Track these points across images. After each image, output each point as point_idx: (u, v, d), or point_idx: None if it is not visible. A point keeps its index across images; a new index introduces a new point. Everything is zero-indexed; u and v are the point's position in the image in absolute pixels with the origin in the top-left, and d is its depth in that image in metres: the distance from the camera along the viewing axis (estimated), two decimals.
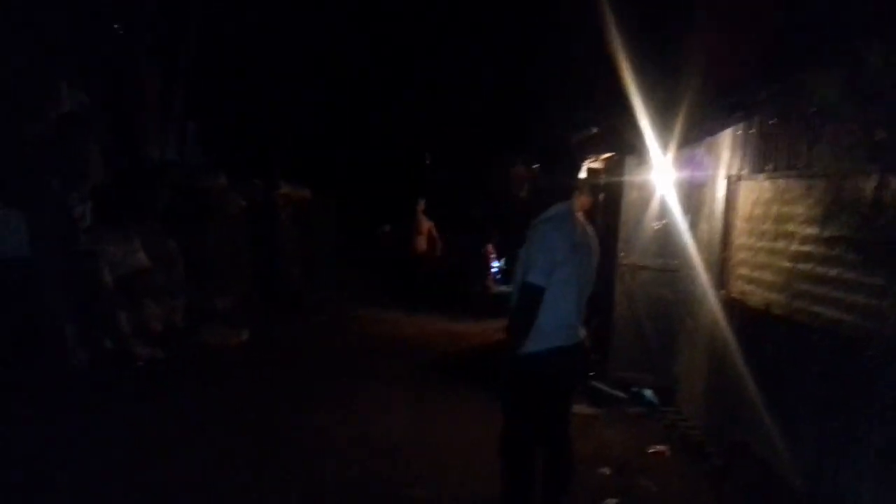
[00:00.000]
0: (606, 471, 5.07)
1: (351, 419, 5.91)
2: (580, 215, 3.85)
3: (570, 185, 3.81)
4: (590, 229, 3.86)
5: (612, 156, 7.35)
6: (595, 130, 10.85)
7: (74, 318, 6.20)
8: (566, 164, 3.87)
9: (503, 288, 16.05)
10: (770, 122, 4.65)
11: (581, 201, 7.22)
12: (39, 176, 4.16)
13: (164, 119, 9.58)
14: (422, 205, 11.98)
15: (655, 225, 6.37)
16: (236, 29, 12.56)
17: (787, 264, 4.39)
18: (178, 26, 9.91)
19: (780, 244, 4.50)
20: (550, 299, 3.54)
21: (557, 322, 3.59)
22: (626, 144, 6.27)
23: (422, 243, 11.82)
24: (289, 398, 6.38)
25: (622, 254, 6.48)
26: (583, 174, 11.39)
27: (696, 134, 5.48)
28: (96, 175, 6.81)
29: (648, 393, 6.69)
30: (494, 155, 17.54)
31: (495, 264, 16.87)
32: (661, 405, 6.50)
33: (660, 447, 5.56)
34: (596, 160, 10.16)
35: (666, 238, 6.35)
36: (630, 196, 6.41)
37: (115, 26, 8.15)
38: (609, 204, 7.39)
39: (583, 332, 3.75)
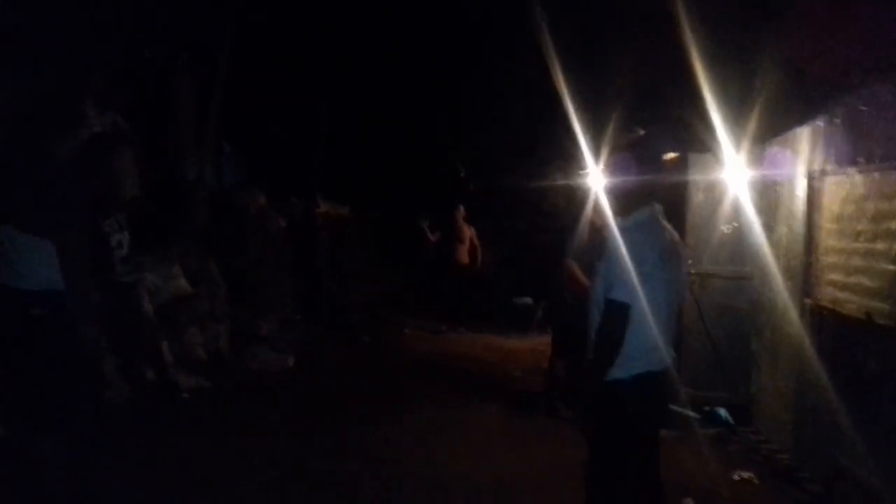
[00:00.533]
0: (691, 502, 4.61)
1: (418, 449, 5.55)
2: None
3: (655, 186, 3.39)
4: (676, 235, 3.44)
5: (673, 156, 6.89)
6: (641, 132, 10.46)
7: (113, 351, 5.94)
8: (651, 161, 3.44)
9: (526, 300, 15.65)
10: (863, 110, 4.18)
11: None
12: (70, 202, 3.92)
13: (199, 138, 9.36)
14: (462, 211, 11.33)
15: (726, 229, 5.90)
16: (271, 46, 12.37)
17: (891, 267, 3.92)
18: (215, 44, 9.71)
19: (881, 245, 4.04)
20: (637, 318, 3.13)
21: (644, 344, 3.18)
22: (691, 142, 5.81)
23: (464, 254, 11.12)
24: (342, 428, 6.03)
25: (689, 261, 6.01)
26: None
27: (772, 129, 5.03)
28: (132, 197, 6.56)
29: (722, 412, 6.18)
30: (531, 164, 17.19)
31: None
32: (737, 425, 6.01)
33: (745, 473, 5.08)
34: None
35: (737, 243, 5.88)
36: (696, 198, 5.95)
37: (145, 48, 7.97)
38: (667, 208, 6.91)
39: (671, 355, 3.33)
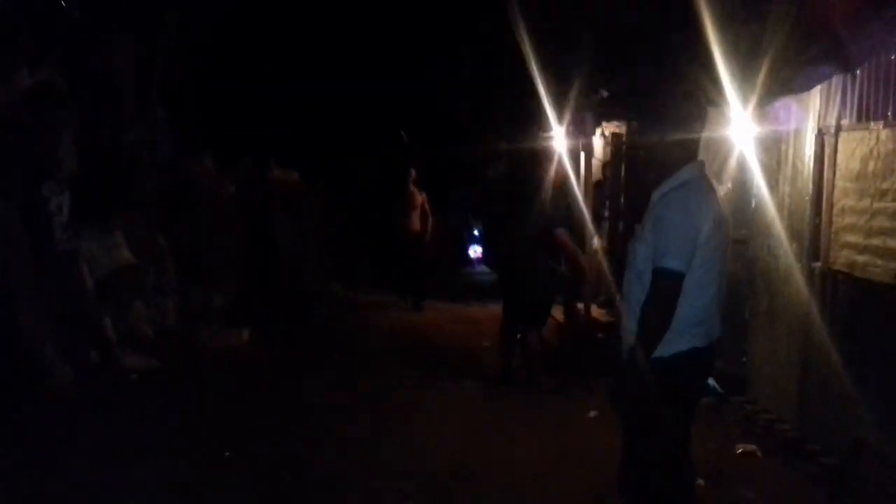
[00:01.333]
0: (700, 481, 4.30)
1: (400, 433, 5.10)
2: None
3: (697, 141, 2.98)
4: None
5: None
6: (605, 94, 10.11)
7: (53, 329, 5.30)
8: (691, 112, 3.01)
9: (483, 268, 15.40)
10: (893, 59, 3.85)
11: None
12: (3, 163, 3.33)
13: (142, 101, 8.56)
14: (413, 175, 10.49)
15: (720, 190, 5.56)
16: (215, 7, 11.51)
17: None
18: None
19: None
20: (688, 289, 2.74)
21: (694, 318, 2.79)
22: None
23: (416, 221, 10.35)
24: (310, 411, 5.53)
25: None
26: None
27: (779, 82, 4.68)
28: (70, 162, 5.86)
29: (710, 381, 5.92)
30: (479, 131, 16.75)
31: (475, 247, 16.16)
32: (728, 394, 5.74)
33: (748, 446, 4.80)
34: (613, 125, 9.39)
35: (733, 205, 5.55)
36: None
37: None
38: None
39: (718, 329, 2.95)
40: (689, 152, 2.90)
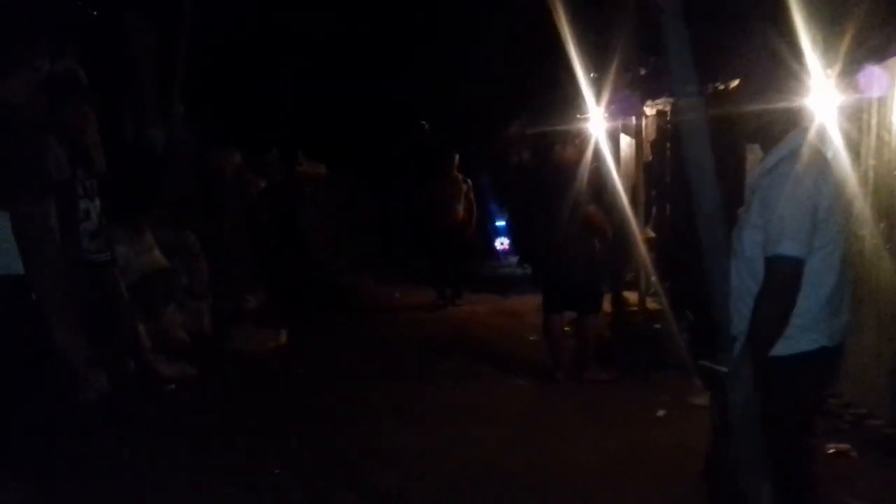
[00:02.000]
0: None
1: (458, 440, 4.74)
2: None
3: (799, 109, 2.59)
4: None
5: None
6: (643, 71, 9.64)
7: (85, 340, 5.00)
8: (783, 71, 2.61)
9: (512, 261, 14.88)
10: None
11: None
12: (24, 159, 3.03)
13: (163, 96, 8.26)
14: (456, 161, 9.46)
15: None
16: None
17: None
18: None
19: None
20: (809, 277, 2.37)
21: (818, 311, 2.42)
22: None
23: (461, 210, 9.38)
24: (360, 416, 5.21)
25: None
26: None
27: (863, 49, 4.26)
28: (98, 161, 5.57)
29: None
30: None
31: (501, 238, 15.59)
32: None
33: (840, 446, 4.41)
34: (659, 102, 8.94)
35: None
36: None
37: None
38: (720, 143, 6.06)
39: (847, 324, 2.56)
40: (791, 117, 2.50)
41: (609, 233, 6.07)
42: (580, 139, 7.95)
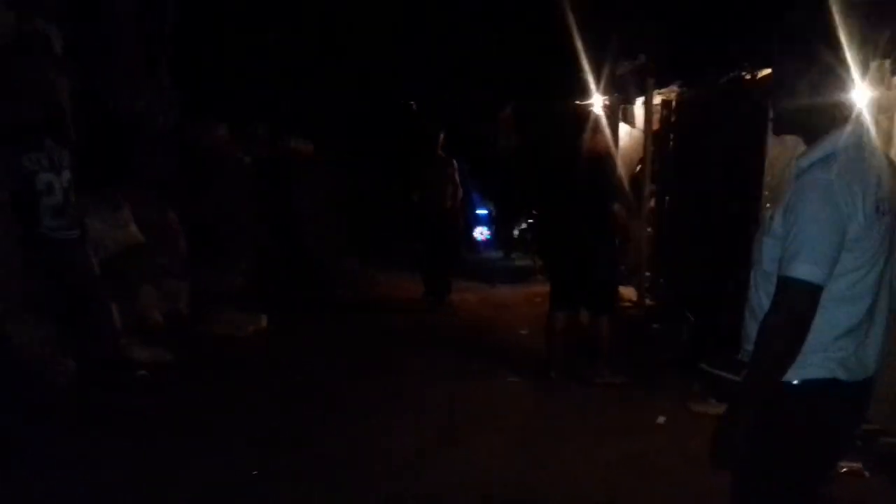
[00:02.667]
0: None
1: (447, 442, 4.47)
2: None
3: (842, 101, 2.22)
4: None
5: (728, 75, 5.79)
6: (644, 58, 9.33)
7: (51, 320, 4.67)
8: (835, 57, 2.23)
9: (494, 254, 14.44)
10: None
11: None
12: None
13: (147, 65, 7.82)
14: (441, 139, 8.55)
15: None
16: None
17: None
18: None
19: None
20: (832, 299, 2.00)
21: (832, 337, 2.05)
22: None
23: (447, 196, 8.56)
24: (344, 411, 4.92)
25: (767, 205, 5.00)
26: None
27: None
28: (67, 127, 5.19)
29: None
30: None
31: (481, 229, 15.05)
32: None
33: (852, 465, 4.17)
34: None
35: None
36: None
37: None
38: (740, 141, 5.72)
39: (879, 356, 2.20)
40: (832, 113, 2.09)
41: (631, 234, 5.75)
42: (583, 126, 7.59)
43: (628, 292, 7.92)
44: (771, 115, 2.35)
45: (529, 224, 14.29)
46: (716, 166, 6.20)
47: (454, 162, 8.56)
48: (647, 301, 7.76)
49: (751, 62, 5.02)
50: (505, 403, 5.23)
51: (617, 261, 5.68)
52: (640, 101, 9.61)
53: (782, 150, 4.95)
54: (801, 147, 2.20)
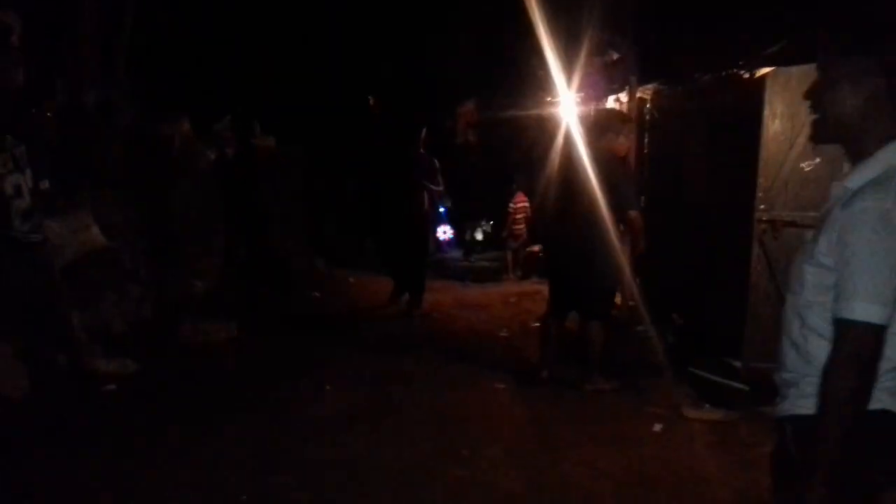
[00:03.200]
0: None
1: (418, 452, 4.23)
2: None
3: None
4: None
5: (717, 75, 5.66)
6: (616, 55, 9.20)
7: (8, 331, 4.31)
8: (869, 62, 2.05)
9: (455, 254, 14.12)
10: None
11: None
12: None
13: (105, 57, 7.38)
14: (423, 135, 7.96)
15: (805, 166, 4.77)
16: None
17: None
18: None
19: None
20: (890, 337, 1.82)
21: (890, 369, 1.88)
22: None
23: (424, 201, 7.89)
24: (323, 425, 4.62)
25: (762, 207, 4.89)
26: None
27: None
28: (24, 128, 4.80)
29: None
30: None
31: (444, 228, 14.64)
32: None
33: None
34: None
35: (822, 184, 4.76)
36: (771, 127, 4.78)
37: None
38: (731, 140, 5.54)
39: None
40: (889, 124, 1.89)
41: (643, 244, 5.42)
42: (547, 125, 7.34)
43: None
44: (809, 117, 2.14)
45: (492, 224, 14.04)
46: (699, 167, 6.09)
47: (436, 161, 7.99)
48: (630, 303, 7.66)
49: (747, 60, 4.89)
50: (496, 413, 5.01)
51: (621, 267, 5.43)
52: (611, 99, 9.53)
53: (776, 152, 4.85)
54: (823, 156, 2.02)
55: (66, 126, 6.37)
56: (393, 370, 5.78)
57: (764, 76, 4.75)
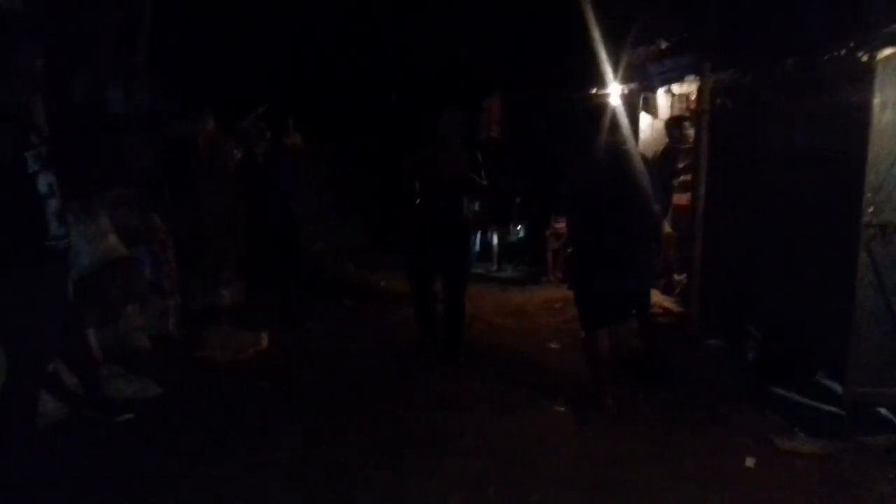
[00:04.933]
0: None
1: (480, 489, 3.68)
2: None
3: None
4: None
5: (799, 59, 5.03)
6: (664, 44, 8.59)
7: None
8: None
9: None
10: None
11: None
12: None
13: (125, 50, 6.90)
14: (459, 125, 6.15)
15: None
16: None
17: None
18: None
19: None
20: None
21: None
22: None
23: (465, 203, 7.14)
24: (358, 455, 4.09)
25: (870, 209, 4.26)
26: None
27: None
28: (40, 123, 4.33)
29: (883, 411, 4.60)
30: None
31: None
32: None
33: None
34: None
35: None
36: (883, 120, 4.15)
37: None
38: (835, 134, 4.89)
39: None
40: None
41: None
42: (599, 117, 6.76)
43: (655, 297, 7.21)
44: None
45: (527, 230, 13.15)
46: (783, 161, 5.45)
47: (479, 155, 6.46)
48: (668, 304, 7.10)
49: (859, 40, 4.25)
50: (561, 443, 4.42)
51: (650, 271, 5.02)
52: (661, 91, 8.93)
53: (888, 147, 4.23)
54: None
55: (84, 124, 5.89)
56: (443, 392, 5.22)
57: (871, 59, 4.12)
